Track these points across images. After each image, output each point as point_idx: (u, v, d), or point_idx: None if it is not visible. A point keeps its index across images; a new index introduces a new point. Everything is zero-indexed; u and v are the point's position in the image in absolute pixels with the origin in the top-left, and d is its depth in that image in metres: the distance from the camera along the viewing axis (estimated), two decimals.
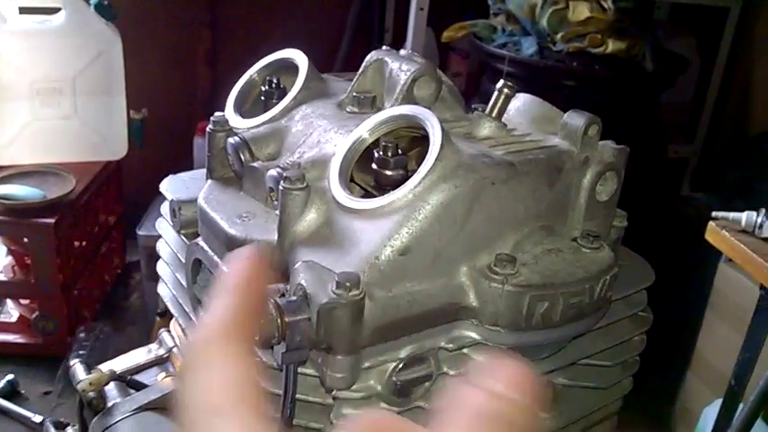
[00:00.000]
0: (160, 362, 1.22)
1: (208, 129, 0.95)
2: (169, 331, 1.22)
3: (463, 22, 2.40)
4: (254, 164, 0.90)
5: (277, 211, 0.83)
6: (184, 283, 1.00)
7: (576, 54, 2.17)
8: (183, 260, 0.99)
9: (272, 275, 0.85)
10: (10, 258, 2.50)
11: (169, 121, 2.80)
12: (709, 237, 1.54)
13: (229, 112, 1.01)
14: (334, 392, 0.75)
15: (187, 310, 1.02)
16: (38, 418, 2.20)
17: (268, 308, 0.71)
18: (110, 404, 1.13)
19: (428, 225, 0.76)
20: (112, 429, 1.07)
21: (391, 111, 0.85)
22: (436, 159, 0.78)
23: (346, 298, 0.70)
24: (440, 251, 0.78)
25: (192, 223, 0.97)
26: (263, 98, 1.01)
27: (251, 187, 0.91)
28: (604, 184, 0.86)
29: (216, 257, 0.90)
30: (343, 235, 0.79)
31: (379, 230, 0.76)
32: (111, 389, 1.17)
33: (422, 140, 0.86)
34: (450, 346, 0.79)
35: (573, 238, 0.85)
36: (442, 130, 0.80)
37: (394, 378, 0.77)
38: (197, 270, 0.97)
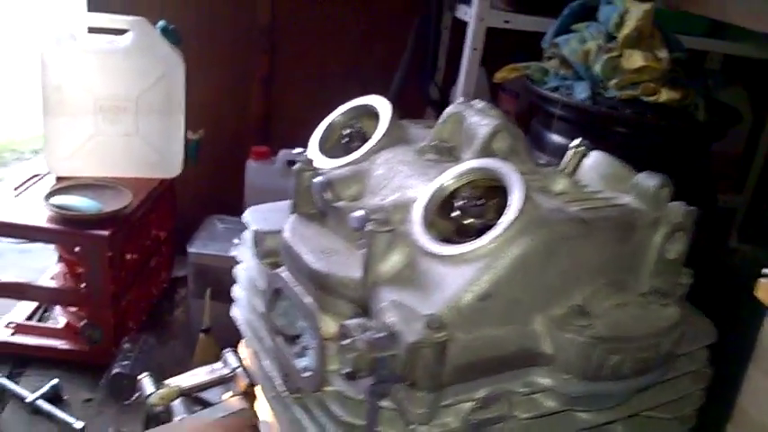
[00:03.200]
0: (224, 381, 1.28)
1: (295, 168, 1.01)
2: (234, 351, 1.28)
3: (516, 63, 2.45)
4: (338, 204, 0.96)
5: (360, 251, 0.89)
6: (261, 308, 1.07)
7: (628, 101, 2.22)
8: (262, 287, 1.06)
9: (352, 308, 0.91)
10: (61, 266, 2.58)
11: (223, 143, 2.89)
12: (760, 293, 1.56)
13: (313, 151, 1.07)
14: (413, 427, 0.81)
15: (262, 335, 1.08)
16: (79, 425, 2.25)
17: (356, 344, 0.77)
18: (177, 419, 1.20)
19: (507, 274, 0.82)
20: None
21: (474, 162, 0.91)
22: (518, 213, 0.83)
23: (433, 338, 0.75)
24: (517, 299, 0.83)
25: (272, 253, 1.04)
26: (344, 141, 1.07)
27: (334, 225, 0.98)
28: (673, 243, 0.91)
29: (297, 288, 0.96)
30: (425, 277, 0.85)
31: (462, 276, 0.82)
32: (178, 404, 1.23)
33: (497, 190, 0.92)
34: (524, 390, 0.84)
35: (641, 293, 0.90)
36: (525, 185, 0.85)
37: (470, 417, 0.82)
38: (276, 299, 1.03)
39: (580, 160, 0.93)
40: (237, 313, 1.15)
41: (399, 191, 0.95)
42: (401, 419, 0.81)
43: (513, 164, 0.90)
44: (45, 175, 2.57)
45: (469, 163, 0.91)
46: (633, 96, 2.10)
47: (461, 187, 0.91)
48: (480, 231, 0.89)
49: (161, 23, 2.49)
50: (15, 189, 2.48)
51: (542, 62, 2.37)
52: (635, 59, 2.05)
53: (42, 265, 2.68)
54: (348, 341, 0.77)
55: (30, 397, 2.29)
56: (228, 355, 1.30)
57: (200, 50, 2.68)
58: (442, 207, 0.92)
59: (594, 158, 0.99)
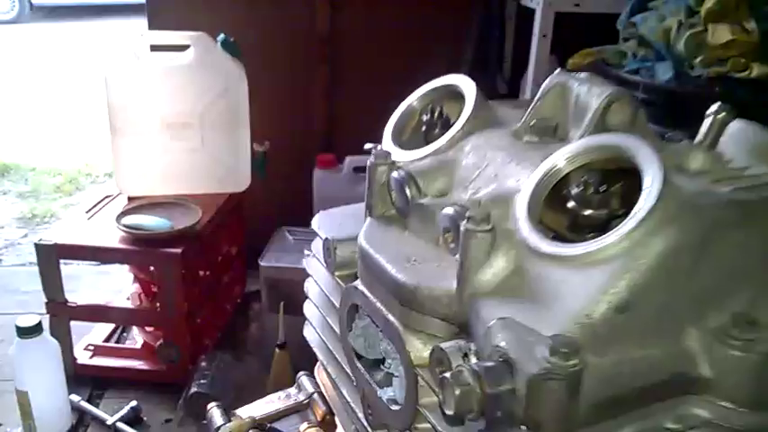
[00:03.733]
0: (300, 408, 1.09)
1: (368, 162, 0.82)
2: (310, 376, 1.09)
3: (589, 48, 2.21)
4: (423, 200, 0.76)
5: (454, 256, 0.68)
6: (336, 328, 0.87)
7: (716, 79, 1.94)
8: (337, 303, 0.86)
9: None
10: (137, 286, 2.47)
11: (289, 154, 2.74)
12: None
13: (387, 144, 0.88)
14: None
15: (338, 358, 0.88)
16: None
17: (461, 376, 0.56)
18: None
19: (650, 277, 0.60)
20: None
21: (592, 140, 0.69)
22: (658, 198, 0.61)
23: (563, 368, 0.54)
24: (664, 308, 0.61)
25: (348, 264, 0.84)
26: (423, 128, 0.87)
27: (418, 227, 0.77)
28: None
29: (378, 304, 0.76)
30: (539, 287, 0.64)
31: (591, 282, 0.60)
32: None
33: (617, 174, 0.70)
34: (676, 427, 0.62)
35: None
36: (662, 163, 0.63)
37: None
38: (353, 316, 0.84)
39: (721, 130, 0.71)
40: (310, 334, 0.97)
41: (495, 181, 0.74)
42: None
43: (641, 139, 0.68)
44: (116, 196, 2.47)
45: (586, 140, 0.70)
46: (722, 73, 1.84)
47: (575, 172, 0.69)
48: (603, 226, 0.67)
49: (221, 37, 2.36)
50: (87, 212, 2.38)
51: (618, 45, 2.13)
52: (721, 34, 1.79)
53: (119, 287, 2.57)
54: (450, 373, 0.57)
55: (110, 420, 2.17)
56: (303, 378, 1.12)
57: (260, 62, 2.54)
58: (551, 198, 0.71)
59: (737, 128, 0.76)
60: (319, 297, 0.93)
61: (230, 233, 2.55)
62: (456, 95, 0.87)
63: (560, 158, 0.69)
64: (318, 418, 1.05)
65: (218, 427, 1.02)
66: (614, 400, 0.59)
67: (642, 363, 0.60)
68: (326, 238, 0.85)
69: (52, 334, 2.20)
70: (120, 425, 2.16)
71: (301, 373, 1.12)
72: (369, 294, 0.77)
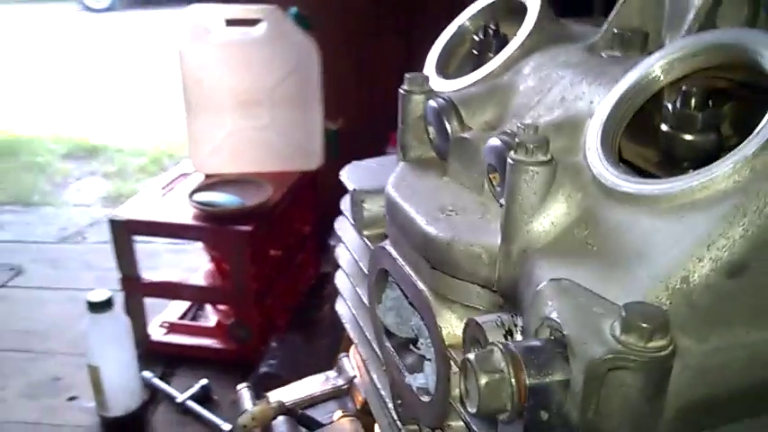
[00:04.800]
0: (338, 394, 0.93)
1: (401, 90, 0.64)
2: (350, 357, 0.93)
3: None
4: (465, 134, 0.57)
5: (500, 201, 0.49)
6: (366, 300, 0.70)
7: None
8: (365, 269, 0.69)
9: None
10: (211, 265, 2.39)
11: (363, 132, 2.58)
12: None
13: (430, 74, 0.69)
14: None
15: (368, 336, 0.71)
16: (226, 427, 2.03)
17: (491, 359, 0.38)
18: None
19: None
20: None
21: (701, 37, 0.48)
22: None
23: (642, 352, 0.35)
24: None
25: (378, 221, 0.67)
26: (476, 52, 0.68)
27: (460, 169, 0.59)
28: None
29: (406, 267, 0.58)
30: (615, 240, 0.44)
31: (691, 232, 0.40)
32: (281, 425, 0.89)
33: (723, 95, 0.49)
34: None
35: None
36: None
37: None
38: (383, 285, 0.66)
39: None
40: (342, 308, 0.80)
41: (561, 106, 0.54)
42: None
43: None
44: (191, 174, 2.39)
45: (691, 39, 0.49)
46: None
47: (672, 87, 0.49)
48: (708, 160, 0.46)
49: (292, 10, 2.23)
50: (162, 189, 2.32)
51: None
52: None
53: (196, 265, 2.51)
54: (475, 355, 0.38)
55: (180, 397, 2.10)
56: (344, 360, 0.95)
57: (332, 37, 2.39)
58: (636, 124, 0.50)
59: None
60: (349, 265, 0.76)
61: (302, 212, 2.43)
62: (518, 11, 0.67)
63: (654, 65, 0.48)
64: (357, 406, 0.88)
65: (241, 413, 0.87)
66: (715, 404, 0.38)
67: (763, 349, 0.39)
68: (354, 190, 0.68)
69: (126, 310, 2.14)
70: (190, 403, 2.09)
71: (343, 354, 0.95)
72: (396, 256, 0.60)
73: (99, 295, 1.91)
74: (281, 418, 0.88)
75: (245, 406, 0.90)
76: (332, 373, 0.95)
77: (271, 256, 2.29)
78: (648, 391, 0.35)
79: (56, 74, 5.66)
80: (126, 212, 2.16)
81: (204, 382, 2.15)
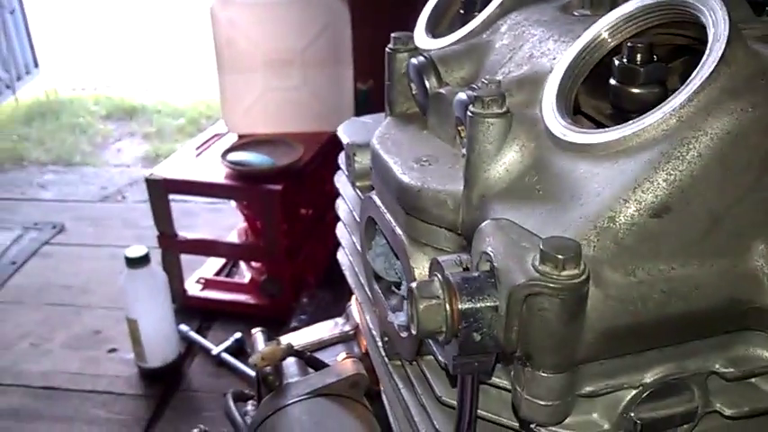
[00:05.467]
0: (345, 339, 1.00)
1: (387, 48, 0.69)
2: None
3: None
4: (442, 89, 0.62)
5: (463, 151, 0.55)
6: (359, 247, 0.76)
7: None
8: (358, 219, 0.75)
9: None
10: (245, 223, 2.49)
11: None
12: None
13: (419, 33, 0.74)
14: (534, 427, 0.46)
15: (362, 281, 0.77)
16: None
17: (430, 286, 0.44)
18: (285, 383, 0.94)
19: (702, 170, 0.44)
20: (281, 413, 0.87)
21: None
22: (719, 62, 0.44)
23: (558, 279, 0.40)
24: (719, 214, 0.44)
25: (369, 173, 0.73)
26: (462, 11, 0.72)
27: (436, 123, 0.64)
28: None
29: (388, 215, 0.64)
30: (559, 184, 0.49)
31: (621, 176, 0.45)
32: (291, 365, 0.97)
33: (685, 52, 0.53)
34: (730, 371, 0.46)
35: None
36: (730, 20, 0.46)
37: (632, 414, 0.45)
38: (372, 232, 0.72)
39: None
40: (342, 257, 0.86)
41: (529, 62, 0.59)
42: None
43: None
44: (225, 135, 2.48)
45: (636, 1, 0.53)
46: None
47: (625, 43, 0.53)
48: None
49: None
50: (196, 149, 2.41)
51: None
52: None
53: (231, 223, 2.61)
54: (416, 283, 0.44)
55: (215, 350, 2.22)
56: (352, 308, 1.02)
57: None
58: (596, 79, 0.55)
59: None
60: (346, 215, 0.82)
61: (333, 172, 2.49)
62: None
63: (603, 25, 0.52)
64: (362, 350, 0.95)
65: (255, 352, 0.95)
66: (640, 330, 0.43)
67: (683, 284, 0.44)
68: (347, 143, 0.74)
69: (164, 266, 2.26)
70: (225, 355, 2.20)
71: (350, 303, 1.02)
72: (380, 204, 0.65)
73: (136, 251, 2.02)
74: (290, 359, 0.96)
75: (259, 346, 0.97)
76: (340, 320, 1.02)
77: (301, 214, 2.37)
78: (565, 316, 0.40)
79: (95, 32, 5.80)
80: (162, 172, 2.26)
81: (238, 335, 2.27)
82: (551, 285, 0.40)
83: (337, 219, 0.87)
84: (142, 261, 2.03)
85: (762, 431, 0.49)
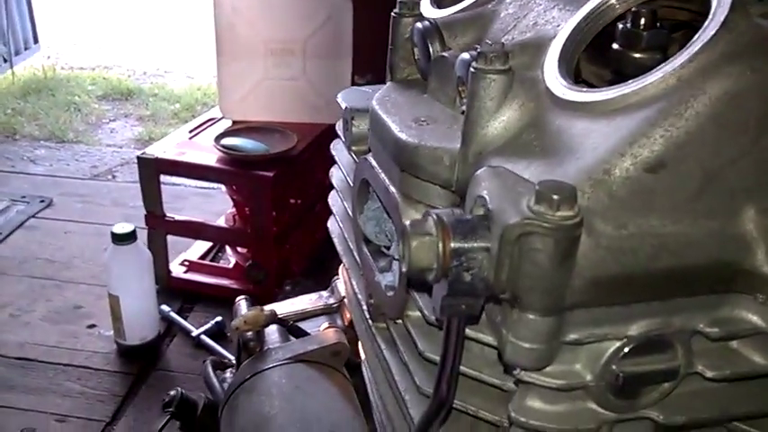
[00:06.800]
0: (329, 311, 1.00)
1: (393, 13, 0.69)
2: None
3: None
4: (444, 53, 0.63)
5: (463, 108, 0.55)
6: (350, 212, 0.76)
7: None
8: (351, 182, 0.75)
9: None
10: (233, 209, 2.47)
11: None
12: None
13: (424, 4, 0.74)
14: (517, 372, 0.46)
15: (351, 246, 0.77)
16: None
17: (424, 225, 0.44)
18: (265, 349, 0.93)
19: (698, 128, 0.44)
20: (261, 376, 0.87)
21: None
22: (721, 27, 0.45)
23: (551, 219, 0.40)
24: (713, 174, 0.45)
25: (365, 138, 0.73)
26: None
27: (437, 87, 0.64)
28: None
29: (382, 175, 0.64)
30: (556, 141, 0.49)
31: (618, 132, 0.45)
32: (272, 332, 0.97)
33: (688, 28, 0.54)
34: (714, 331, 0.46)
35: None
36: None
37: (614, 366, 0.45)
38: (364, 196, 0.72)
39: None
40: (332, 225, 0.86)
41: (533, 30, 0.59)
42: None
43: None
44: (219, 120, 2.47)
45: None
46: None
47: (629, 12, 0.53)
48: None
49: None
50: (190, 132, 2.40)
51: None
52: None
53: (220, 210, 2.59)
54: (410, 221, 0.44)
55: (195, 332, 2.19)
56: (338, 283, 1.02)
57: None
58: (597, 47, 0.55)
59: None
60: (340, 182, 0.82)
61: (325, 164, 2.48)
62: None
63: None
64: (346, 323, 0.95)
65: (235, 318, 0.95)
66: (628, 281, 0.43)
67: (673, 240, 0.44)
68: (346, 108, 0.74)
69: (149, 246, 2.24)
70: (204, 338, 2.18)
71: (336, 277, 1.02)
72: (375, 165, 0.65)
73: (123, 227, 2.00)
74: (272, 327, 0.95)
75: (241, 312, 0.97)
76: (325, 293, 1.02)
77: (291, 203, 2.36)
78: (556, 258, 0.40)
79: (97, 12, 5.76)
80: (154, 151, 2.25)
81: (219, 319, 2.24)
82: (545, 225, 0.40)
83: (330, 186, 0.87)
84: (128, 237, 2.01)
85: (742, 400, 0.49)
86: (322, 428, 0.77)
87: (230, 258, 2.50)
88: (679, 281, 0.45)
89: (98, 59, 4.74)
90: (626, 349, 0.45)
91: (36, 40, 4.27)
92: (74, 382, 2.02)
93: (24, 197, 2.86)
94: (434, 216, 0.43)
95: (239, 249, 2.45)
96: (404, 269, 0.44)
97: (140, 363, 2.07)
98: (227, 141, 2.24)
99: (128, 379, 2.03)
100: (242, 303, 0.99)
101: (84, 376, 2.03)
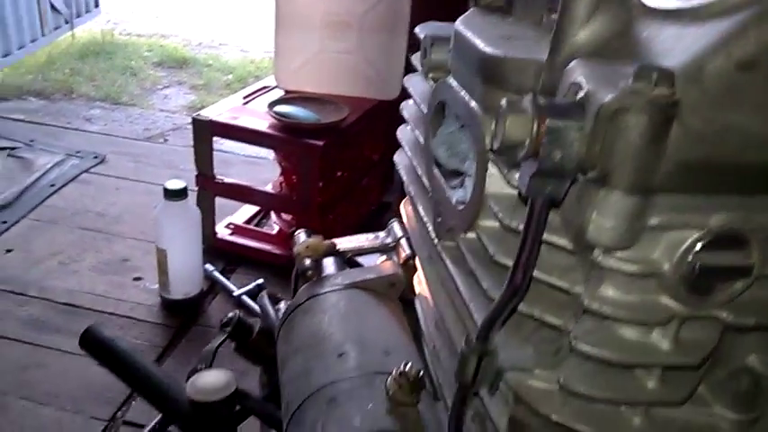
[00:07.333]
0: (385, 250, 1.03)
1: None
2: (401, 220, 1.02)
3: None
4: None
5: (554, 16, 0.57)
6: (422, 140, 0.78)
7: None
8: (425, 110, 0.77)
9: None
10: (281, 177, 2.52)
11: None
12: None
13: None
14: (595, 255, 0.48)
15: (420, 172, 0.79)
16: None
17: (520, 103, 0.46)
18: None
19: None
20: (318, 299, 0.90)
21: None
22: None
23: (648, 96, 0.42)
24: None
25: (443, 65, 0.75)
26: None
27: (523, 7, 0.66)
28: None
29: (465, 95, 0.66)
30: (647, 46, 0.51)
31: (711, 34, 0.47)
32: (330, 264, 1.00)
33: None
34: None
35: None
36: None
37: (691, 257, 0.47)
38: (439, 120, 0.75)
39: None
40: (400, 157, 0.89)
41: None
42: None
43: None
44: (273, 88, 2.51)
45: None
46: None
47: None
48: None
49: None
50: (244, 98, 2.45)
51: None
52: None
53: (267, 178, 2.64)
54: (506, 99, 0.46)
55: (236, 291, 2.24)
56: (395, 224, 1.05)
57: None
58: None
59: None
60: (413, 113, 0.84)
61: (374, 139, 2.52)
62: None
63: None
64: (401, 261, 0.97)
65: (299, 243, 0.98)
66: (714, 168, 0.45)
67: (759, 138, 0.46)
68: (425, 36, 0.76)
69: (198, 206, 2.29)
70: (245, 298, 2.23)
71: (394, 219, 1.05)
72: (454, 84, 0.68)
73: (175, 184, 2.06)
74: (330, 258, 0.98)
75: (301, 240, 1.00)
76: (382, 234, 1.04)
77: (338, 175, 2.39)
78: (648, 135, 0.42)
79: None
80: (209, 114, 2.30)
81: (260, 281, 2.29)
82: (642, 102, 0.41)
83: (401, 120, 0.89)
84: (180, 194, 2.06)
85: None
86: (377, 349, 0.80)
87: (274, 225, 2.55)
88: (761, 177, 0.46)
89: (155, 28, 4.85)
90: (704, 241, 0.46)
91: (97, 5, 4.38)
92: (117, 330, 2.08)
93: (79, 152, 2.94)
94: (531, 98, 0.45)
95: (284, 216, 2.50)
96: (495, 145, 0.46)
97: (182, 317, 2.13)
98: (280, 109, 2.28)
99: (169, 331, 2.09)
100: (301, 234, 1.02)
101: (128, 326, 2.09)
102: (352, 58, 2.41)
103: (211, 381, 0.81)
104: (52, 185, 2.68)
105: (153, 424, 0.94)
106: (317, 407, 0.76)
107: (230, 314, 1.01)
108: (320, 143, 2.18)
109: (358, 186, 2.53)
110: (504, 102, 0.46)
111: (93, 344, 0.86)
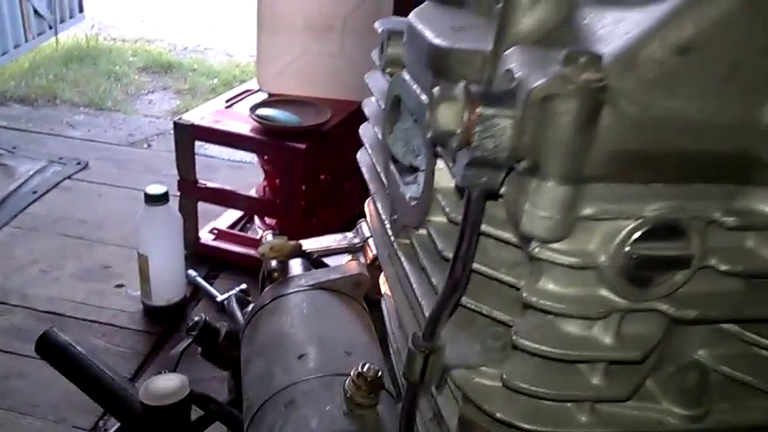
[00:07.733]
0: (352, 250, 1.02)
1: None
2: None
3: None
4: None
5: (498, 5, 0.56)
6: (380, 135, 0.78)
7: None
8: (383, 105, 0.77)
9: None
10: (264, 182, 2.51)
11: None
12: None
13: None
14: (531, 247, 0.47)
15: (378, 169, 0.79)
16: None
17: (452, 91, 0.45)
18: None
19: (730, 15, 0.45)
20: (283, 300, 0.89)
21: None
22: None
23: (576, 80, 0.41)
24: (740, 63, 0.45)
25: (399, 60, 0.74)
26: None
27: (476, 1, 0.66)
28: None
29: (417, 88, 0.66)
30: (587, 31, 0.50)
31: (648, 18, 0.46)
32: (296, 265, 0.99)
33: None
34: (729, 220, 0.46)
35: None
36: None
37: (628, 248, 0.46)
38: (396, 117, 0.74)
39: None
40: (362, 156, 0.88)
41: None
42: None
43: None
44: (255, 92, 2.51)
45: None
46: None
47: None
48: None
49: None
50: (226, 101, 2.45)
51: None
52: None
53: (250, 182, 2.64)
54: (438, 88, 0.45)
55: (219, 297, 2.23)
56: (363, 224, 1.04)
57: None
58: None
59: None
60: (372, 110, 0.84)
61: (357, 143, 2.51)
62: None
63: None
64: (368, 261, 0.97)
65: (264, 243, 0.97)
66: (647, 158, 0.44)
67: (696, 125, 0.45)
68: (382, 30, 0.76)
69: (181, 212, 2.28)
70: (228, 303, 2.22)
71: (362, 219, 1.04)
72: (407, 77, 0.67)
73: (156, 189, 2.05)
74: (297, 259, 0.97)
75: (267, 240, 0.99)
76: (350, 234, 1.03)
77: (321, 179, 2.39)
78: (579, 121, 0.41)
79: None
80: (191, 118, 2.30)
81: (243, 286, 2.28)
82: (570, 87, 0.41)
83: (364, 118, 0.89)
84: (161, 199, 2.05)
85: (752, 298, 0.49)
86: (338, 350, 0.79)
87: (258, 230, 2.54)
88: (699, 165, 0.45)
89: (140, 33, 4.85)
90: (640, 231, 0.45)
91: (81, 10, 4.38)
92: (99, 338, 2.06)
93: (61, 158, 2.93)
94: (463, 86, 0.44)
95: (267, 220, 2.49)
96: (428, 135, 0.45)
97: (164, 324, 2.11)
98: (262, 112, 2.27)
99: (151, 338, 2.07)
100: (268, 236, 1.02)
101: (110, 333, 2.07)
102: (335, 61, 2.40)
103: (164, 385, 0.80)
104: (34, 192, 2.67)
105: (112, 431, 0.93)
106: (276, 409, 0.75)
107: (196, 318, 1.00)
108: (302, 146, 2.18)
109: (341, 190, 2.53)
110: (435, 90, 0.45)
111: (49, 349, 0.85)
